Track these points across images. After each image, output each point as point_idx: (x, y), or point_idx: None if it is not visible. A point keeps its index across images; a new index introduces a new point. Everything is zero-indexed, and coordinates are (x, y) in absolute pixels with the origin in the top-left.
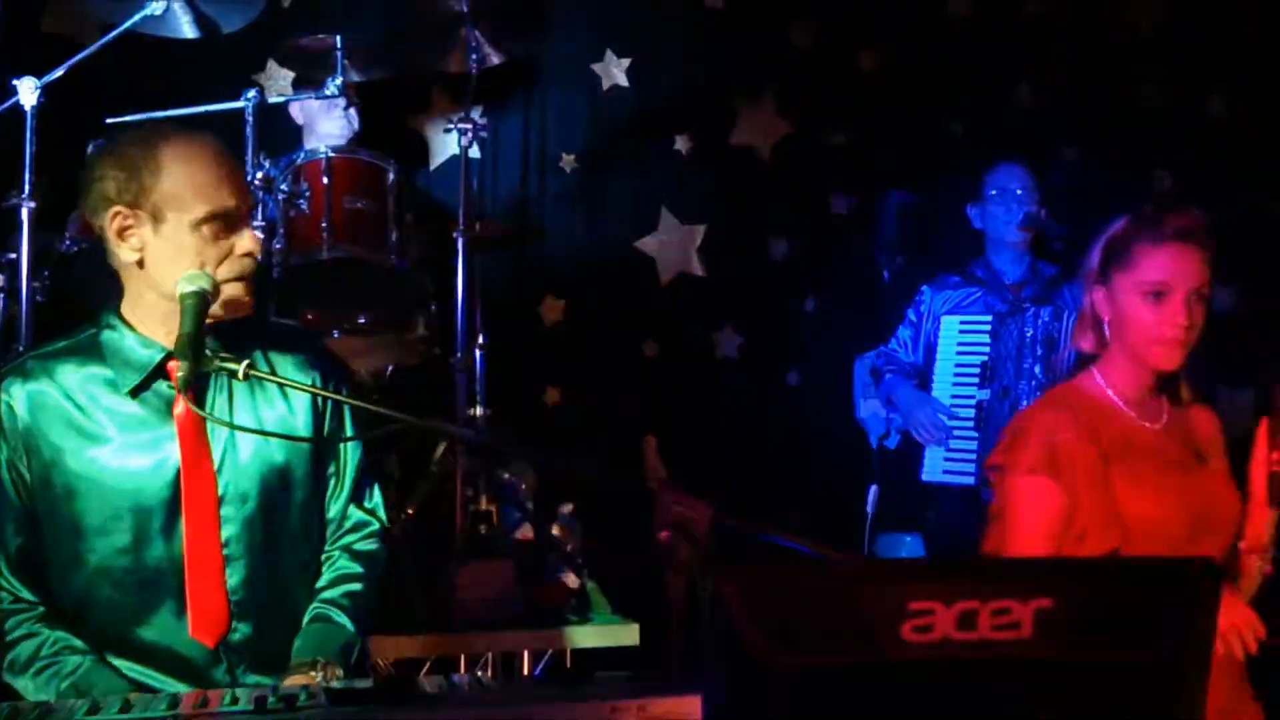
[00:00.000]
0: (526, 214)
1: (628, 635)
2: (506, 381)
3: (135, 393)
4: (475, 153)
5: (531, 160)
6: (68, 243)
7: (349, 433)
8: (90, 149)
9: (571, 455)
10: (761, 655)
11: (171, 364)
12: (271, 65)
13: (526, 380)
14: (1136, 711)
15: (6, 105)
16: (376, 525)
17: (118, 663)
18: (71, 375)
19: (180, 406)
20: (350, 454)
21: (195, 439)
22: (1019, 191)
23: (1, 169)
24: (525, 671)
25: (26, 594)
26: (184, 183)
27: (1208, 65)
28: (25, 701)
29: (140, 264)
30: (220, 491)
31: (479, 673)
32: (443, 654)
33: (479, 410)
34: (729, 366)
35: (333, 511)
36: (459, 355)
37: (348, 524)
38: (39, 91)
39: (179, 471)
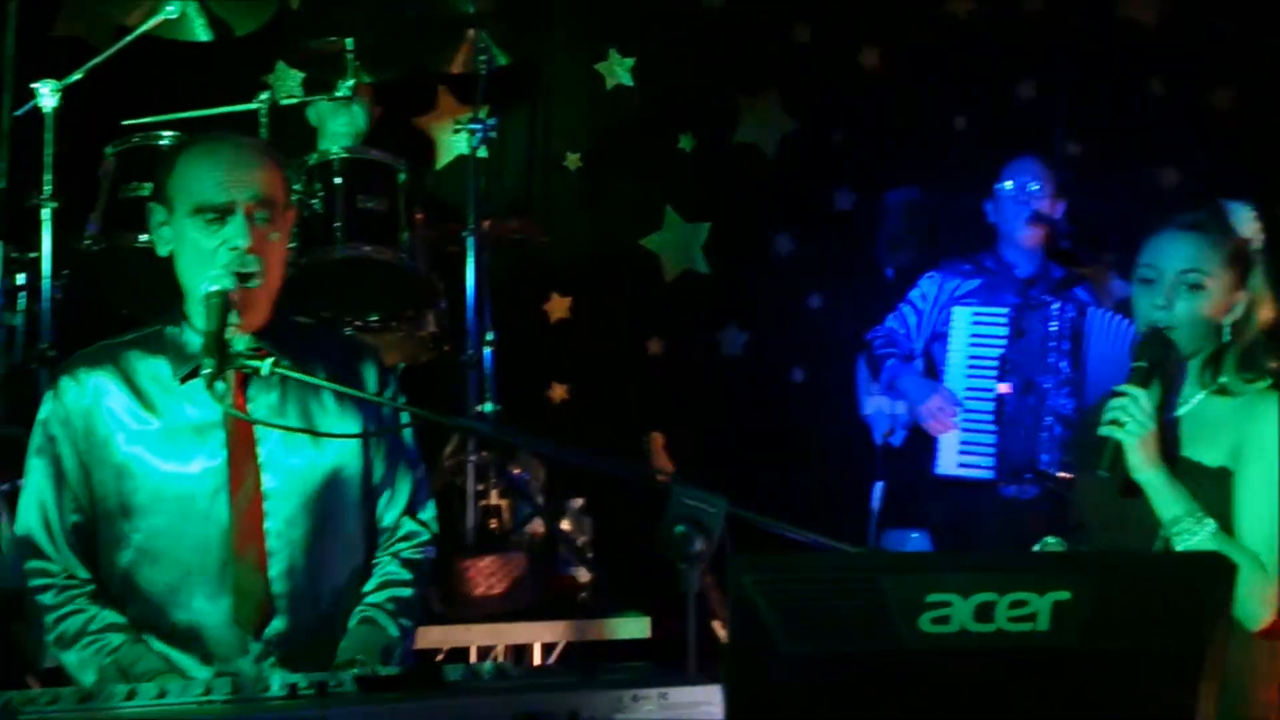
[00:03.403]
0: (532, 213)
1: (639, 628)
2: (513, 378)
3: (185, 380)
4: (482, 152)
5: (537, 160)
6: (87, 242)
7: (409, 448)
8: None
9: (583, 451)
10: (781, 645)
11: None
12: (281, 67)
13: (533, 376)
14: (1152, 703)
15: (26, 108)
16: (428, 535)
17: (152, 643)
18: (135, 363)
19: (228, 401)
20: (409, 466)
21: (242, 434)
22: (1034, 187)
23: (23, 170)
24: (536, 663)
25: (80, 571)
26: (182, 177)
27: (1213, 58)
28: (35, 689)
29: (172, 259)
30: (265, 487)
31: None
32: (455, 645)
33: (489, 406)
34: (734, 363)
35: (387, 520)
36: (469, 352)
37: (400, 533)
38: (58, 94)
39: (225, 462)
